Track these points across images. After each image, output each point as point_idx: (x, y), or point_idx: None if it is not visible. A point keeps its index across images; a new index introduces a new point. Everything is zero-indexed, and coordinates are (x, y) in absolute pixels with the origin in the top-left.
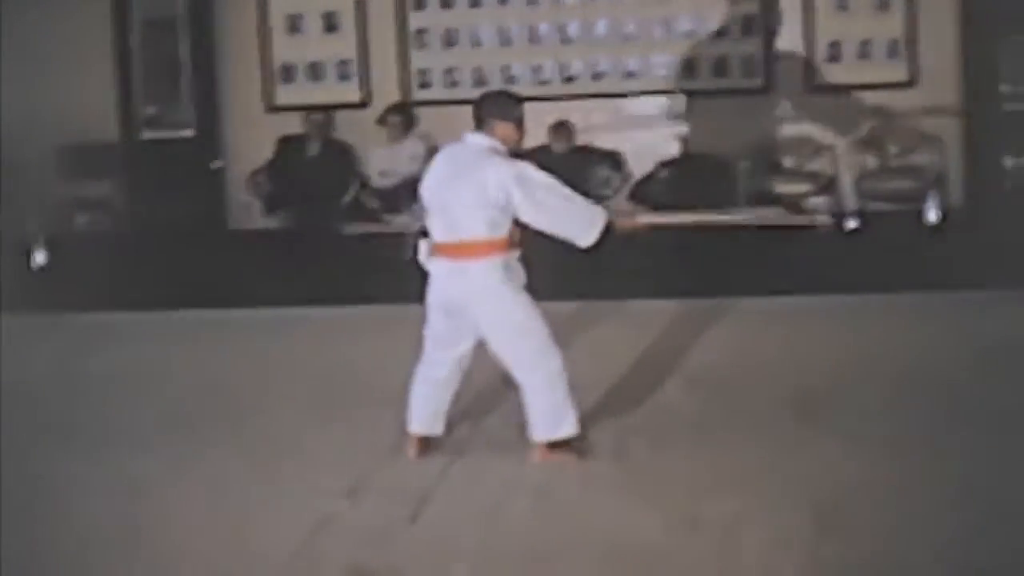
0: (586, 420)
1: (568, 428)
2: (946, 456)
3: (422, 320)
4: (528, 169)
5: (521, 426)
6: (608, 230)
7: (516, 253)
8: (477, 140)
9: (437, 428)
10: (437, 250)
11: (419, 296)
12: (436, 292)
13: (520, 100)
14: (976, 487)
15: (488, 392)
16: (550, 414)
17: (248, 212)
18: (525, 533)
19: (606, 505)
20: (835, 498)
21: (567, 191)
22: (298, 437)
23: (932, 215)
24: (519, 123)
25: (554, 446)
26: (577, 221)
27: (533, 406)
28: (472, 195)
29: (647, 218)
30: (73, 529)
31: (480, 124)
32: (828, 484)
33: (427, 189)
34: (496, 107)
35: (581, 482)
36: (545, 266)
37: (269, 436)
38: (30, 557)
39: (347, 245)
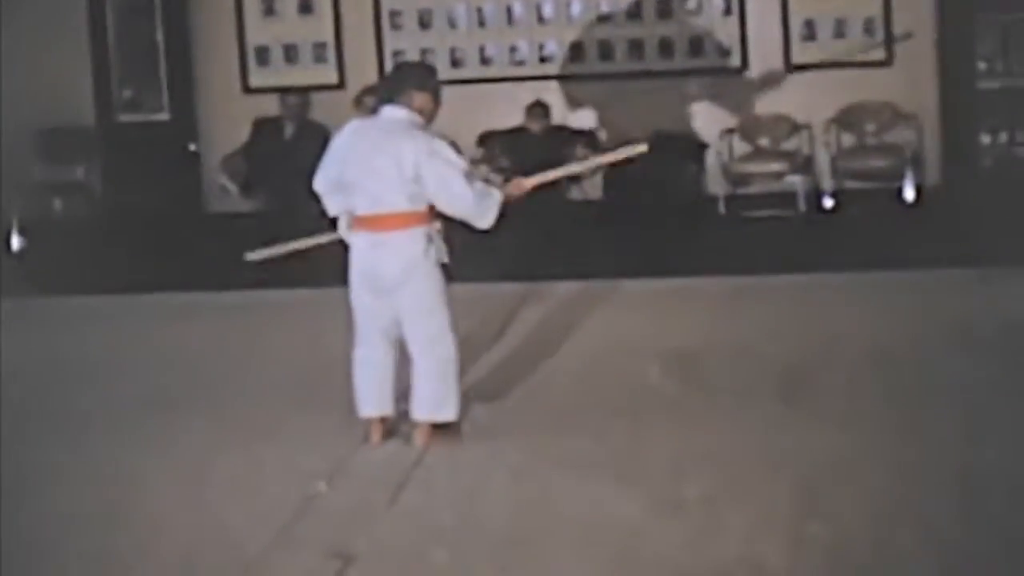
0: (566, 402)
1: (448, 413)
2: (926, 433)
3: None
4: (442, 146)
5: (499, 408)
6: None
7: (437, 225)
8: (395, 113)
9: (389, 407)
10: (359, 224)
11: None
12: (361, 267)
13: (435, 71)
14: (958, 464)
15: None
16: (435, 398)
17: (224, 195)
18: (504, 515)
19: (586, 486)
20: (817, 477)
21: (470, 175)
22: (278, 420)
23: (909, 193)
24: (436, 94)
25: (437, 428)
26: (477, 205)
27: (420, 387)
28: (392, 168)
29: (530, 181)
30: (50, 512)
31: (397, 95)
32: (809, 463)
33: (344, 163)
34: (414, 77)
35: (561, 463)
36: (513, 248)
37: (248, 419)
38: (9, 541)
39: (323, 227)
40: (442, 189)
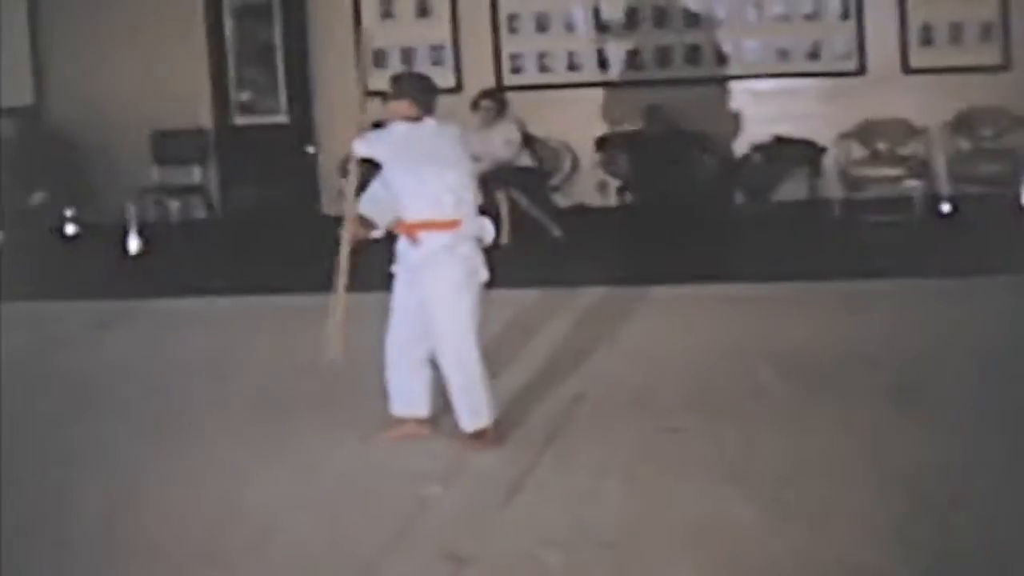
0: (676, 404)
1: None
2: None
3: (512, 301)
4: None
5: (608, 413)
6: None
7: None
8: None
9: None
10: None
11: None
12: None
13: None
14: None
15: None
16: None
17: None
18: (616, 518)
19: (698, 489)
20: (928, 482)
21: None
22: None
23: None
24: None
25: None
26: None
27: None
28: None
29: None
30: (162, 511)
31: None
32: (919, 468)
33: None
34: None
35: (673, 467)
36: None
37: (363, 421)
38: (119, 538)
39: None
40: None
